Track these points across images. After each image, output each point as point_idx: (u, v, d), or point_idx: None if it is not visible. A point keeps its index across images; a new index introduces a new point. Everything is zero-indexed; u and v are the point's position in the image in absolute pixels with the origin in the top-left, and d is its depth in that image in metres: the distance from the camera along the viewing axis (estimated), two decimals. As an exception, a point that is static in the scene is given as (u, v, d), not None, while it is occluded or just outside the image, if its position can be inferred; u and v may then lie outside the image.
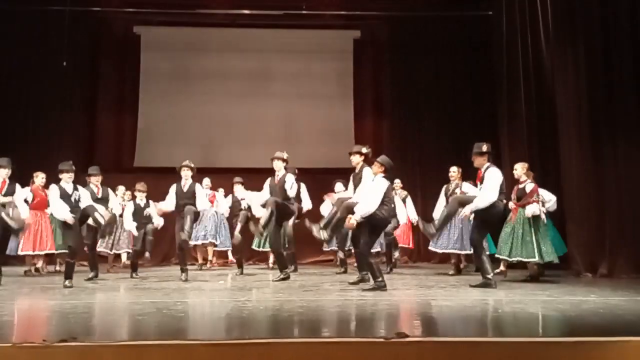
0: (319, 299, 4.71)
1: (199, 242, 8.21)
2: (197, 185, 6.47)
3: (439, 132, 9.80)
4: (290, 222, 6.93)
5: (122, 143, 10.45)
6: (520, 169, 6.26)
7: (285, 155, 6.31)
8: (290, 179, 6.16)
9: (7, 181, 6.48)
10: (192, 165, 6.45)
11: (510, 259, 6.09)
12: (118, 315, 4.05)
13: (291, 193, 6.13)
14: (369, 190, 5.13)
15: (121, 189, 7.76)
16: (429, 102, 9.93)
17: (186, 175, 6.36)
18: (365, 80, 10.73)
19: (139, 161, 10.28)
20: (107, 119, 10.42)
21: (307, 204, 7.36)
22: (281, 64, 10.59)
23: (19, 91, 9.41)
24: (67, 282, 5.55)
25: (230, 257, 8.75)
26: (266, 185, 6.38)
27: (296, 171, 7.19)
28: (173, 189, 6.40)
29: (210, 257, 8.39)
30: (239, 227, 6.87)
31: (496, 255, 6.24)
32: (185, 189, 6.33)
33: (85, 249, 6.46)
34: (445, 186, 7.11)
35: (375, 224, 5.06)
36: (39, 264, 7.20)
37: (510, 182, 6.27)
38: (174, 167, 6.61)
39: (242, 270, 7.15)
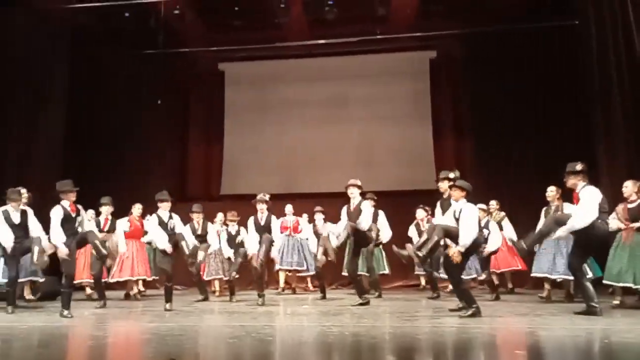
0: (405, 325, 4.59)
1: (284, 267, 8.32)
2: (273, 217, 6.61)
3: (526, 150, 9.27)
4: (370, 247, 6.88)
5: (210, 173, 11.09)
6: (631, 186, 5.64)
7: (359, 182, 6.28)
8: (367, 207, 6.14)
9: (110, 218, 7.10)
10: (267, 199, 6.58)
11: (637, 286, 5.48)
12: (211, 338, 4.22)
13: (365, 225, 6.03)
14: (467, 219, 4.96)
15: (220, 216, 7.98)
16: (514, 118, 9.46)
17: (262, 208, 6.52)
18: (444, 100, 10.54)
19: (225, 189, 10.82)
20: (196, 151, 11.15)
21: (386, 234, 7.28)
22: (357, 89, 10.72)
23: (119, 129, 10.35)
24: (167, 306, 5.88)
25: (309, 283, 8.86)
26: (343, 213, 6.33)
27: (375, 197, 7.13)
28: (251, 223, 6.58)
29: (282, 283, 8.45)
30: (320, 250, 6.93)
31: (605, 282, 5.71)
32: (262, 222, 6.50)
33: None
34: (545, 208, 6.64)
35: (467, 250, 4.95)
36: (136, 288, 7.73)
37: (611, 198, 5.75)
38: (257, 195, 6.82)
39: (324, 295, 7.18)
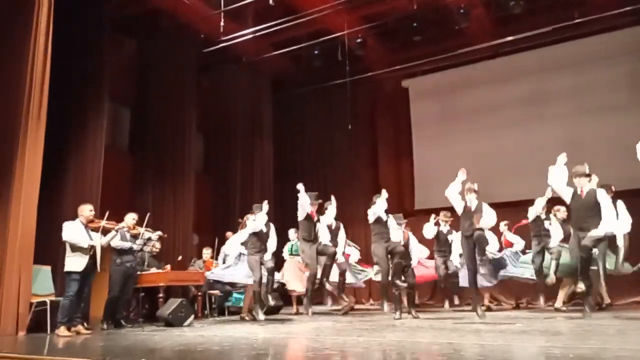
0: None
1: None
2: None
3: None
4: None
5: (403, 188, 11.26)
6: None
7: (586, 169, 5.62)
8: (602, 195, 5.49)
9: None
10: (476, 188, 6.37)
11: None
12: (422, 355, 4.19)
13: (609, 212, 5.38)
14: None
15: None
16: None
17: (470, 199, 6.30)
18: (673, 78, 8.76)
19: (418, 204, 10.81)
20: (387, 168, 11.48)
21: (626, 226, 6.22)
22: (557, 82, 9.69)
23: (317, 156, 11.37)
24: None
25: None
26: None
27: (613, 188, 6.29)
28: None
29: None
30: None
31: None
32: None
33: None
34: None
35: None
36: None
37: None
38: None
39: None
